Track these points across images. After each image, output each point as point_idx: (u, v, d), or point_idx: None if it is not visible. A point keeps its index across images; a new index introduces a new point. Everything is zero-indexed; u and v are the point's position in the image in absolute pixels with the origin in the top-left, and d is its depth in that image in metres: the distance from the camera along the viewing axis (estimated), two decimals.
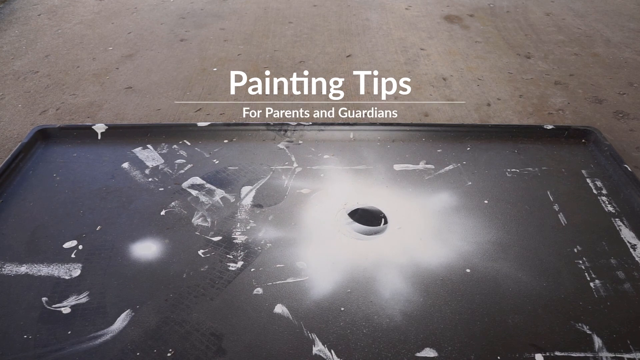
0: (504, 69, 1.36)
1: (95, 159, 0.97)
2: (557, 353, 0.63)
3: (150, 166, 0.94)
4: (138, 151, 0.98)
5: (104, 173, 0.93)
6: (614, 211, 0.85)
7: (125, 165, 0.95)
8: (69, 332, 0.65)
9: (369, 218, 0.82)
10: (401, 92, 1.26)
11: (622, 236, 0.80)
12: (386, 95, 1.24)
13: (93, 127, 1.02)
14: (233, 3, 1.79)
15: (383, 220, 0.83)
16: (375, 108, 1.19)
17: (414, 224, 0.82)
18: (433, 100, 1.22)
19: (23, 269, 0.74)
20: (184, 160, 0.93)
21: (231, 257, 0.76)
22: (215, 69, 1.37)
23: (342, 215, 0.83)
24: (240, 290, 0.71)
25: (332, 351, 0.63)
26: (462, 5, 1.77)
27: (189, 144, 0.99)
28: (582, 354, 0.63)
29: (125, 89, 1.28)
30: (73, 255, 0.76)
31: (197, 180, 0.89)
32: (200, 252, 0.76)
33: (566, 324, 0.66)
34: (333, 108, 1.19)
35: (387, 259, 0.76)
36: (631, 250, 0.78)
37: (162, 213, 0.84)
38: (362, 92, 1.26)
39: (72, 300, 0.69)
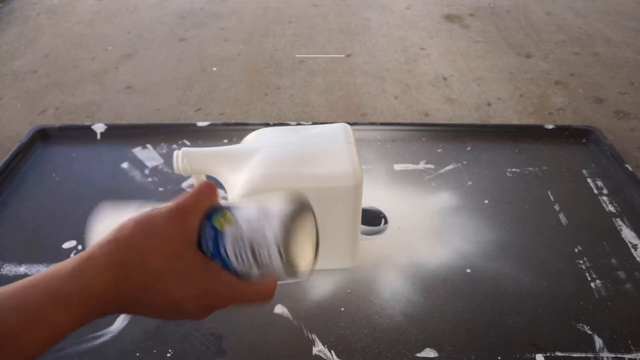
0: (504, 69, 1.36)
1: (95, 159, 0.97)
2: (558, 353, 0.63)
3: (150, 166, 0.94)
4: (137, 151, 0.98)
5: (104, 173, 0.93)
6: (614, 211, 0.84)
7: (125, 165, 0.94)
8: None
9: (369, 218, 0.82)
10: (401, 91, 1.25)
11: (623, 236, 0.80)
12: (386, 94, 1.24)
13: (92, 127, 1.02)
14: (233, 2, 1.79)
15: (383, 220, 0.83)
16: (375, 108, 1.19)
17: (414, 224, 0.82)
18: (433, 99, 1.22)
19: (22, 269, 0.74)
20: None
21: None
22: (215, 69, 1.37)
23: None
24: None
25: (332, 351, 0.63)
26: (462, 5, 1.77)
27: (188, 143, 0.99)
28: (583, 354, 0.63)
29: (125, 89, 1.28)
30: (72, 255, 0.76)
31: None
32: None
33: (567, 324, 0.66)
34: (333, 107, 1.19)
35: (387, 259, 0.76)
36: (632, 250, 0.77)
37: None
38: (362, 91, 1.26)
39: None
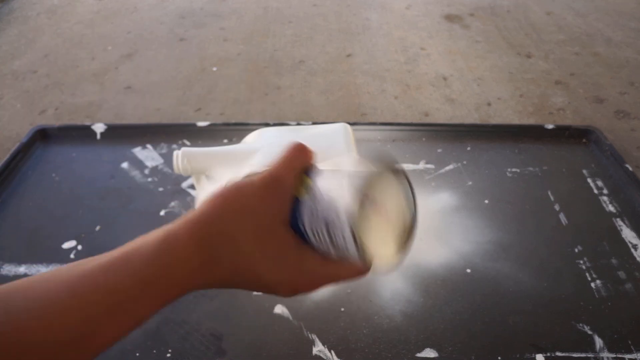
0: (504, 69, 1.36)
1: (95, 159, 0.97)
2: (558, 353, 0.63)
3: (150, 166, 0.94)
4: (137, 151, 0.98)
5: (103, 173, 0.93)
6: (614, 211, 0.84)
7: (125, 165, 0.94)
8: None
9: None
10: (401, 91, 1.25)
11: (623, 236, 0.80)
12: (386, 94, 1.24)
13: (92, 127, 1.02)
14: (233, 2, 1.79)
15: None
16: (375, 108, 1.19)
17: None
18: (433, 99, 1.22)
19: (22, 269, 0.74)
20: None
21: None
22: (215, 69, 1.37)
23: None
24: (240, 291, 0.70)
25: (332, 352, 0.63)
26: (462, 5, 1.77)
27: (188, 143, 0.99)
28: (583, 354, 0.63)
29: (125, 89, 1.28)
30: (72, 256, 0.76)
31: None
32: None
33: (567, 324, 0.66)
34: (333, 107, 1.19)
35: None
36: (632, 250, 0.77)
37: (162, 213, 0.84)
38: (362, 91, 1.26)
39: None
